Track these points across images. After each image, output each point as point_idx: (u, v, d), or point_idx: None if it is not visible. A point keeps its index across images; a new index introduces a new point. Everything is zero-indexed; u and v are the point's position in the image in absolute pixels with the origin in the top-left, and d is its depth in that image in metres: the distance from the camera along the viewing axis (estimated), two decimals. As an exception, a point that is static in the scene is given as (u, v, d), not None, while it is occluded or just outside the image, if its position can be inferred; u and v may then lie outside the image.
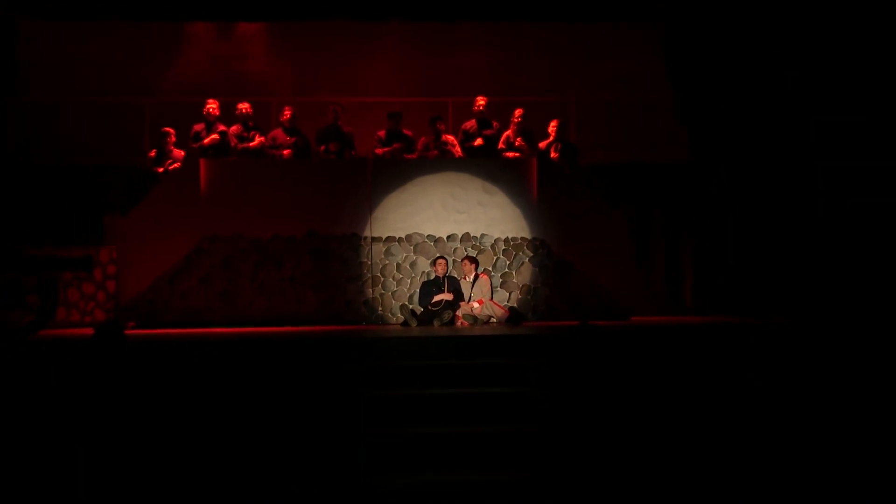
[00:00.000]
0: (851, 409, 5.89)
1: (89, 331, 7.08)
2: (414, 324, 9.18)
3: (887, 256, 9.19)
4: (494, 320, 9.32)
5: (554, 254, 9.99)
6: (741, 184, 10.65)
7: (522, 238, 10.01)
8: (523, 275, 9.96)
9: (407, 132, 10.64)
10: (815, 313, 9.18)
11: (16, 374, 5.99)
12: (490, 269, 9.87)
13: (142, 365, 6.16)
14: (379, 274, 9.86)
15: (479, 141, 10.62)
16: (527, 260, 9.98)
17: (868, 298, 8.91)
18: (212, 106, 10.47)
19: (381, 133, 10.60)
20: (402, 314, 9.47)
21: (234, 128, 10.40)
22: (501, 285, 9.91)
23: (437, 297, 9.37)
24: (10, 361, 6.17)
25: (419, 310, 9.44)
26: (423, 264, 9.88)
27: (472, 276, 9.53)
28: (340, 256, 9.85)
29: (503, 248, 9.99)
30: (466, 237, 9.99)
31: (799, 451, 5.56)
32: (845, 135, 9.58)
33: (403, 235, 9.95)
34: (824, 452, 5.54)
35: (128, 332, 6.85)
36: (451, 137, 10.62)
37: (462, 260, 9.68)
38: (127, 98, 11.76)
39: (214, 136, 10.26)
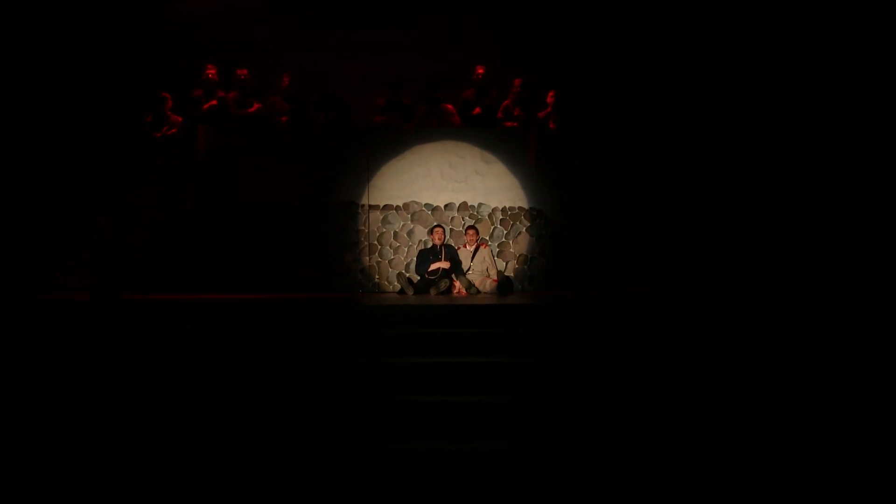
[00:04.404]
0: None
1: (86, 295, 7.12)
2: (410, 292, 9.22)
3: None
4: (486, 290, 9.39)
5: (551, 223, 10.01)
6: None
7: (520, 208, 10.03)
8: (520, 244, 10.00)
9: (406, 100, 10.62)
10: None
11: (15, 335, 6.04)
12: (487, 238, 9.89)
13: (138, 330, 6.20)
14: (376, 242, 9.89)
15: (477, 110, 10.60)
16: (524, 229, 10.00)
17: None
18: (211, 72, 10.43)
19: (380, 101, 10.58)
20: (398, 282, 9.50)
21: (232, 94, 10.36)
22: (498, 254, 9.94)
23: (433, 266, 9.40)
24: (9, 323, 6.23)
25: (416, 278, 9.49)
26: (421, 233, 9.91)
27: (473, 246, 9.58)
28: (338, 224, 9.87)
29: (500, 217, 10.01)
30: (464, 206, 10.01)
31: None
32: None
33: (401, 203, 9.97)
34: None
35: (125, 296, 6.89)
36: (449, 106, 10.60)
37: (466, 229, 9.71)
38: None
39: (213, 101, 10.24)
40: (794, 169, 10.12)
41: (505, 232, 10.00)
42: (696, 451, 5.32)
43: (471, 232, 9.64)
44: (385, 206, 9.95)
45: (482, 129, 10.31)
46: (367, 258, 9.89)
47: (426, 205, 9.99)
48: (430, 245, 9.63)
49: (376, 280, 9.87)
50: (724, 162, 10.77)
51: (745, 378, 5.99)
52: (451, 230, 9.88)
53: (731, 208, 10.80)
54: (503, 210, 10.02)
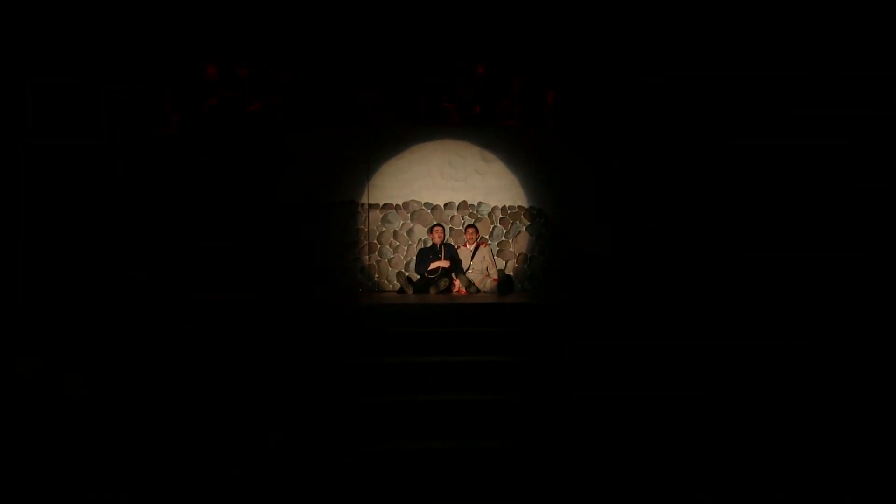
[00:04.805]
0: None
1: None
2: (410, 291, 9.22)
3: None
4: (486, 289, 9.40)
5: (551, 222, 10.01)
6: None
7: (520, 207, 10.02)
8: (520, 243, 10.00)
9: (406, 99, 10.61)
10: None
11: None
12: (487, 237, 9.89)
13: (138, 330, 6.20)
14: (376, 241, 9.89)
15: (477, 109, 10.59)
16: (524, 229, 10.00)
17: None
18: (210, 71, 10.43)
19: (380, 100, 10.57)
20: (398, 281, 9.50)
21: (231, 93, 10.35)
22: (498, 253, 9.94)
23: (433, 265, 9.40)
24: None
25: (415, 277, 9.49)
26: (420, 231, 9.91)
27: (473, 245, 9.58)
28: (338, 223, 9.86)
29: (500, 216, 10.01)
30: (464, 205, 10.00)
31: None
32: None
33: (401, 202, 9.96)
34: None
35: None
36: (449, 105, 10.59)
37: (466, 228, 9.71)
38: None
39: (212, 101, 10.23)
40: (795, 169, 10.11)
41: (505, 231, 10.00)
42: (696, 451, 5.33)
43: (470, 231, 9.64)
44: (385, 204, 9.95)
45: (482, 129, 10.30)
46: (367, 257, 9.88)
47: (426, 204, 9.98)
48: (429, 244, 9.63)
49: (376, 279, 9.87)
50: (725, 161, 10.75)
51: (745, 378, 6.00)
52: (451, 229, 9.88)
53: (731, 207, 10.79)
54: (503, 209, 10.02)
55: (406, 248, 9.90)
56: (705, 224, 10.90)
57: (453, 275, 9.36)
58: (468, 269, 9.47)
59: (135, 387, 5.71)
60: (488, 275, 9.46)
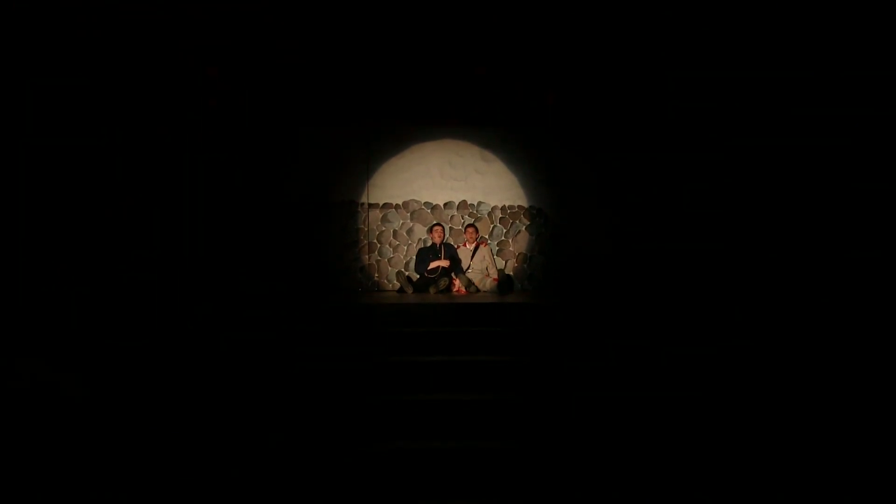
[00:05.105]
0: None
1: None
2: (409, 290, 9.22)
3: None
4: (486, 289, 9.39)
5: (551, 222, 10.01)
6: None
7: (519, 206, 10.03)
8: (520, 243, 10.00)
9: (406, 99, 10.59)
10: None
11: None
12: (487, 236, 9.89)
13: (139, 329, 6.20)
14: (375, 240, 9.89)
15: (477, 109, 10.58)
16: (523, 228, 10.01)
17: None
18: (211, 71, 10.40)
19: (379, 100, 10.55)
20: (397, 280, 9.50)
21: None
22: (498, 253, 9.94)
23: (433, 264, 9.41)
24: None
25: (415, 276, 9.49)
26: (420, 231, 9.91)
27: (472, 245, 9.58)
28: (337, 223, 9.87)
29: (500, 215, 10.01)
30: (463, 205, 10.01)
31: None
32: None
33: (400, 202, 9.97)
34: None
35: None
36: (449, 104, 10.57)
37: (466, 228, 9.71)
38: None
39: (212, 101, 10.22)
40: (795, 169, 10.09)
41: (504, 230, 10.01)
42: (696, 451, 5.33)
43: (470, 230, 9.64)
44: (385, 204, 9.95)
45: (482, 128, 10.29)
46: (367, 256, 9.89)
47: (426, 203, 9.99)
48: (429, 243, 9.63)
49: (375, 278, 9.88)
50: (725, 161, 10.73)
51: (745, 379, 5.99)
52: (451, 229, 9.88)
53: (730, 207, 10.76)
54: (503, 208, 10.02)
55: (406, 247, 9.91)
56: (705, 224, 10.88)
57: (453, 274, 9.37)
58: (468, 268, 9.47)
59: (135, 387, 5.71)
60: (488, 274, 9.47)
